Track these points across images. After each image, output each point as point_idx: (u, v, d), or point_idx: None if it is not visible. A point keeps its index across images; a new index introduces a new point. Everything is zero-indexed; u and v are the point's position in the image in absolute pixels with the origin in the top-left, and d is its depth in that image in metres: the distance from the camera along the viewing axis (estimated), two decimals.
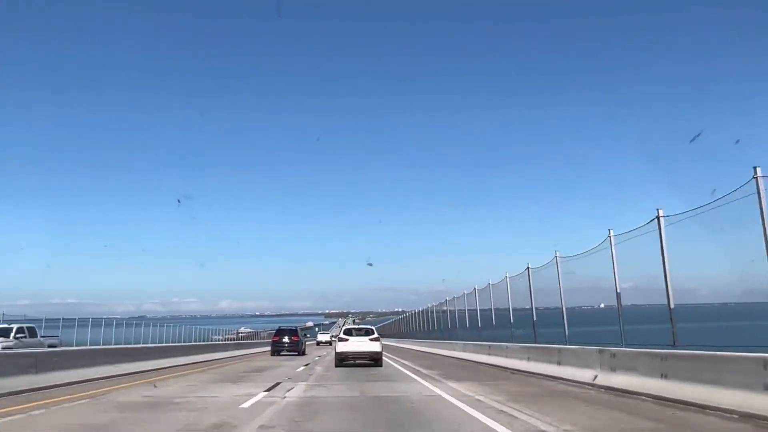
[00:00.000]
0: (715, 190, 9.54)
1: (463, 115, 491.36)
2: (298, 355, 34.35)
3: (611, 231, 13.42)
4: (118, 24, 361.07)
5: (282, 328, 38.78)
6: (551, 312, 18.55)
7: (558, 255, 16.69)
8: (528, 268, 19.48)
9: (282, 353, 34.32)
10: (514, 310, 22.49)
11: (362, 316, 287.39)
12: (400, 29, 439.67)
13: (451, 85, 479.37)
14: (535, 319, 19.15)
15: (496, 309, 25.83)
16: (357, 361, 21.62)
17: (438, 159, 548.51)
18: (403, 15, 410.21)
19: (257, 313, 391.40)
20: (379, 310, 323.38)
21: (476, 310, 28.12)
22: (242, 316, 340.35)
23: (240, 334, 77.29)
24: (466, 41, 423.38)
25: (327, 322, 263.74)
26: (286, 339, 35.50)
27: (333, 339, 77.83)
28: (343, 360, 21.62)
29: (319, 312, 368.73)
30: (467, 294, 29.77)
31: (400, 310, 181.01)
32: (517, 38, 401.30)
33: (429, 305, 47.37)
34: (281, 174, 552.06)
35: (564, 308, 16.91)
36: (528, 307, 20.15)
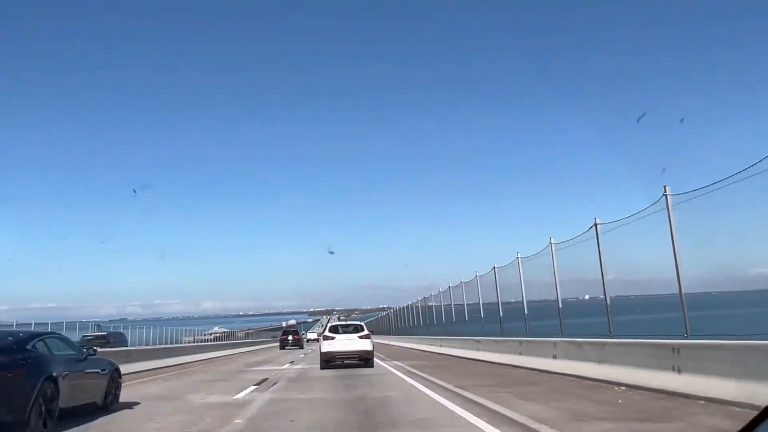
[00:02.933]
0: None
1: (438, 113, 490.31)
2: (299, 348, 46.15)
3: (597, 219, 13.16)
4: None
5: (287, 329, 58.46)
6: (535, 305, 18.56)
7: (519, 255, 17.42)
8: (494, 267, 20.39)
9: (287, 347, 47.03)
10: (484, 304, 22.43)
11: (347, 313, 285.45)
12: (380, 19, 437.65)
13: (435, 82, 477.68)
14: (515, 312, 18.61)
15: (471, 304, 25.75)
16: (345, 362, 19.95)
17: (419, 156, 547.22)
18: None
19: (240, 313, 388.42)
20: (365, 307, 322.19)
21: (463, 305, 27.29)
22: (225, 317, 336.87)
23: (213, 335, 71.42)
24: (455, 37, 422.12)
25: (311, 320, 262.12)
26: (290, 337, 49.87)
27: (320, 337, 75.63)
28: (329, 361, 19.71)
29: (304, 310, 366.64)
30: (453, 287, 28.94)
31: (385, 306, 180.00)
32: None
33: (412, 301, 46.81)
34: (262, 173, 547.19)
35: (560, 301, 16.18)
36: (513, 300, 19.85)
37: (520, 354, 17.31)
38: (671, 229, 9.86)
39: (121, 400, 10.82)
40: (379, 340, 57.77)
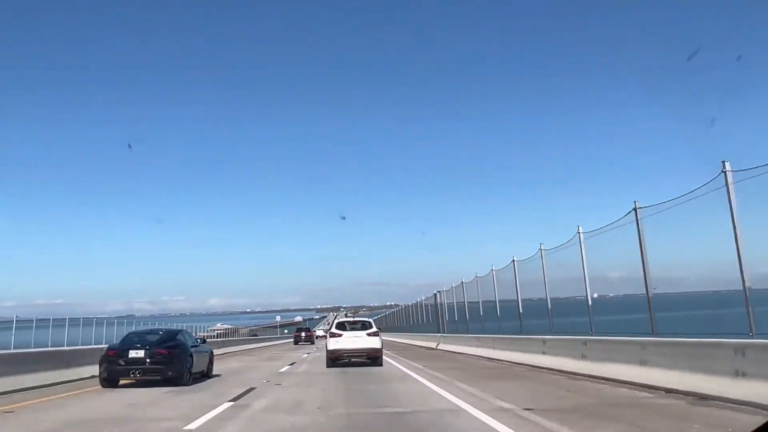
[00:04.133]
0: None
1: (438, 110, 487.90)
2: (311, 344, 52.40)
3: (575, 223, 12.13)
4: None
5: (300, 327, 68.34)
6: (559, 301, 17.98)
7: (542, 247, 16.90)
8: (514, 261, 18.48)
9: (300, 343, 53.94)
10: (500, 301, 22.01)
11: (355, 310, 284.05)
12: (383, 19, 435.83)
13: (440, 79, 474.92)
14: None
15: (486, 301, 24.86)
16: (352, 360, 19.01)
17: (427, 155, 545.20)
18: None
19: (247, 310, 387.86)
20: (372, 304, 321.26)
21: (478, 301, 26.13)
22: (232, 313, 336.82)
23: (216, 332, 68.77)
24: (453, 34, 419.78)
25: (318, 317, 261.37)
26: (303, 334, 57.02)
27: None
28: (335, 359, 18.81)
29: (310, 307, 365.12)
30: (466, 282, 27.78)
31: (392, 303, 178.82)
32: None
33: (421, 298, 45.79)
34: (267, 170, 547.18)
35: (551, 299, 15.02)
36: (536, 297, 18.70)
37: (544, 353, 16.13)
38: (732, 213, 8.58)
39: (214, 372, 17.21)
40: (388, 337, 56.81)
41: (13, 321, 28.91)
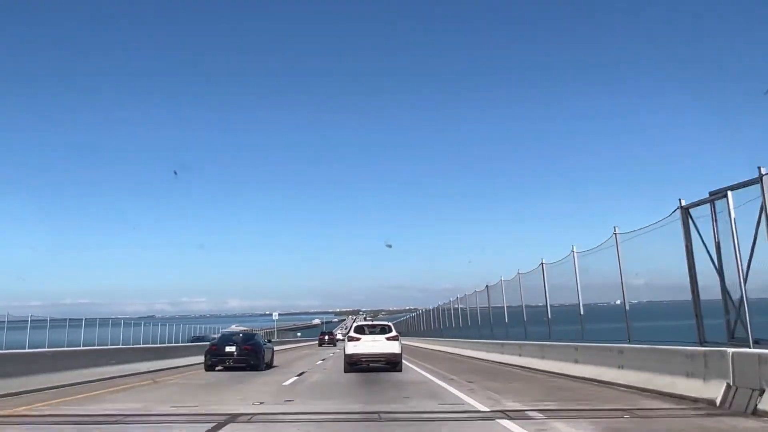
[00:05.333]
0: None
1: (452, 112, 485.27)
2: (333, 345, 59.63)
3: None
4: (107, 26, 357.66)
5: (324, 331, 78.15)
6: (564, 309, 18.50)
7: (574, 249, 16.14)
8: (574, 252, 16.58)
9: (323, 345, 61.59)
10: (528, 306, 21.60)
11: (374, 314, 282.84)
12: (407, 26, 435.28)
13: (465, 81, 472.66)
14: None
15: (510, 306, 24.34)
16: (371, 365, 18.32)
17: (448, 159, 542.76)
18: (405, 13, 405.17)
19: (267, 312, 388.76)
20: (391, 308, 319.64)
21: (503, 306, 25.16)
22: (251, 315, 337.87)
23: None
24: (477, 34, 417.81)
25: (336, 320, 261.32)
26: (326, 337, 65.84)
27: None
28: (354, 364, 18.23)
29: (329, 310, 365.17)
30: (490, 286, 26.82)
31: (411, 308, 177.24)
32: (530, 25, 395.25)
33: (442, 302, 44.89)
34: (289, 172, 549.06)
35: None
36: (566, 303, 17.86)
37: (576, 362, 15.16)
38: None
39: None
40: (408, 342, 56.01)
41: (81, 320, 33.85)
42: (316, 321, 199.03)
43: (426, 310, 59.03)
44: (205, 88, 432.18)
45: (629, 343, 13.01)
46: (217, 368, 20.17)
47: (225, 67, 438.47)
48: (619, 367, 12.64)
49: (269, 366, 21.70)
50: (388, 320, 31.67)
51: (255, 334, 24.02)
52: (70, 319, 33.94)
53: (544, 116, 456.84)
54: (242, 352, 20.30)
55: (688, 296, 11.21)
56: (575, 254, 15.94)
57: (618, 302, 13.44)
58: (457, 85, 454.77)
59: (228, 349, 20.42)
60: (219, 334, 30.26)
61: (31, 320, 29.31)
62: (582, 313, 16.05)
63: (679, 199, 10.62)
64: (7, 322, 28.10)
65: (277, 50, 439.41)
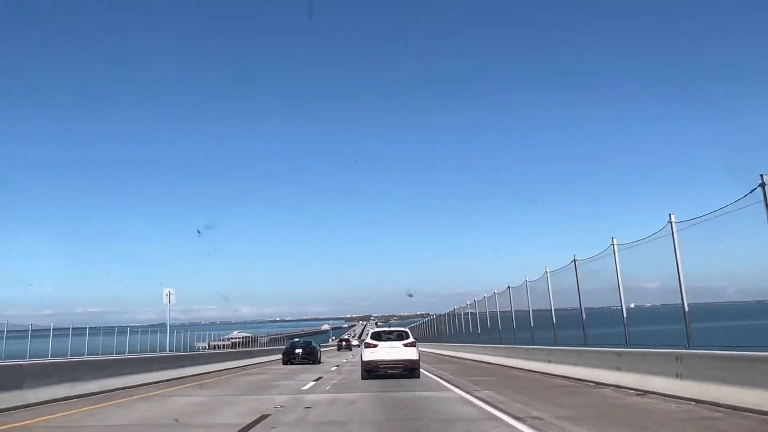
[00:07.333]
0: None
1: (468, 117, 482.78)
2: (349, 350, 67.28)
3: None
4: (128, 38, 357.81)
5: (343, 337, 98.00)
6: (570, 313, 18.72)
7: (614, 241, 14.98)
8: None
9: (341, 350, 70.41)
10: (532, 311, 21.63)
11: (385, 319, 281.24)
12: (410, 34, 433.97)
13: (472, 84, 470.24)
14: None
15: (518, 310, 24.44)
16: (389, 372, 17.61)
17: (458, 163, 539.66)
18: (412, 18, 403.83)
19: (277, 319, 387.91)
20: (403, 313, 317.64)
21: (528, 310, 23.59)
22: (262, 322, 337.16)
23: (232, 341, 65.61)
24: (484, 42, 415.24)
25: (346, 326, 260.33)
26: (344, 343, 77.02)
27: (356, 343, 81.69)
28: (371, 371, 17.77)
29: (340, 316, 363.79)
30: (513, 287, 25.23)
31: (423, 313, 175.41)
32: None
33: (456, 306, 43.41)
34: (299, 180, 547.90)
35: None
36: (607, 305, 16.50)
37: (618, 369, 13.55)
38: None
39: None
40: (423, 348, 54.41)
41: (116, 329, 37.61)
42: (325, 327, 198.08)
43: (439, 315, 57.53)
44: (205, 91, 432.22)
45: (688, 348, 11.38)
46: (291, 363, 32.20)
47: (238, 76, 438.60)
48: (677, 376, 11.07)
49: (319, 361, 34.20)
50: (399, 325, 30.80)
51: (312, 340, 38.90)
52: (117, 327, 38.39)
53: (553, 123, 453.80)
54: (305, 353, 33.25)
55: None
56: (615, 246, 14.48)
57: (676, 303, 11.82)
58: (468, 92, 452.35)
59: (297, 351, 33.54)
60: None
61: (85, 329, 33.72)
62: (625, 315, 14.46)
63: (761, 175, 9.04)
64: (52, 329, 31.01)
65: (287, 58, 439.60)
